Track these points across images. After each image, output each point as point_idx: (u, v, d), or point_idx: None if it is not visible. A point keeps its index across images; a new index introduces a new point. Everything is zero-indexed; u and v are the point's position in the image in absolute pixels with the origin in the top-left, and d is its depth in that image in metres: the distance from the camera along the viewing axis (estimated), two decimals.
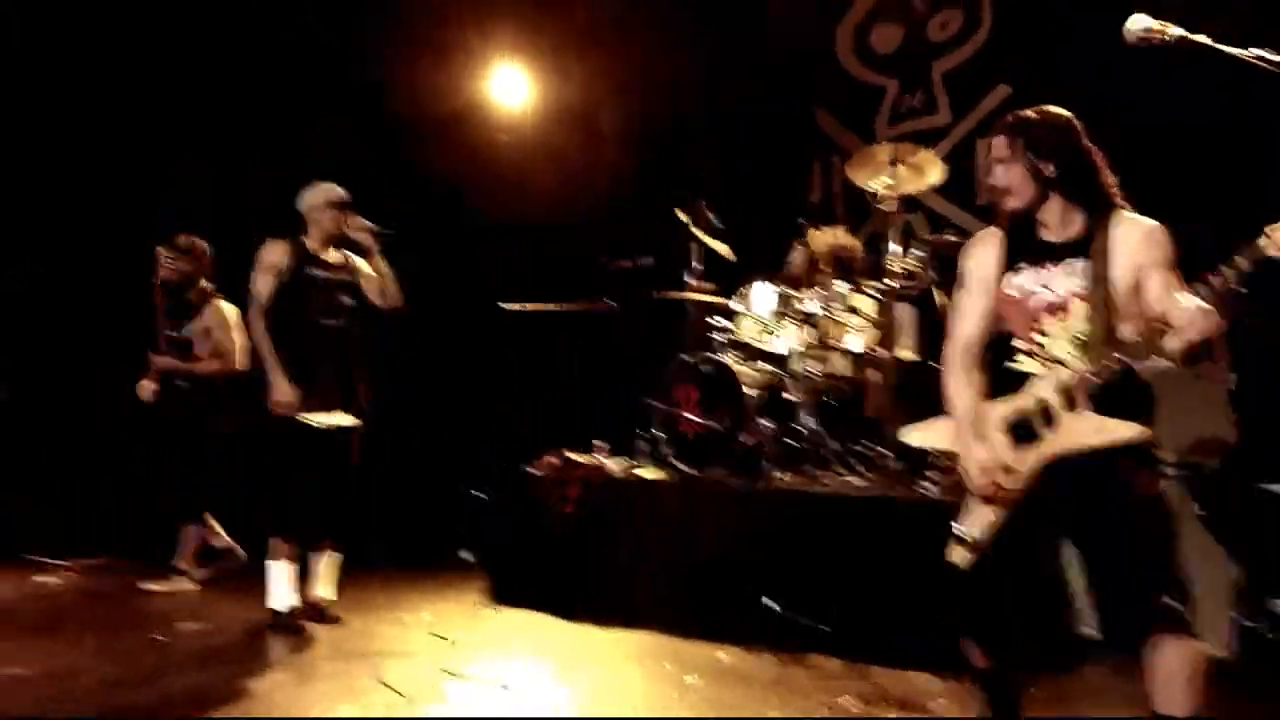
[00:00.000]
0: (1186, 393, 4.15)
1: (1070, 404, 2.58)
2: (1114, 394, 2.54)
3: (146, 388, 5.22)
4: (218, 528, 5.34)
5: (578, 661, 3.88)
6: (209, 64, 6.62)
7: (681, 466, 4.86)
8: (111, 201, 6.56)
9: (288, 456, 4.33)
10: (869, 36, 6.59)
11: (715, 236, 5.54)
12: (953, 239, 5.30)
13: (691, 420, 4.87)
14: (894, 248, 4.95)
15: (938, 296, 5.04)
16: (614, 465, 5.07)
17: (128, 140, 6.56)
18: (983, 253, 2.82)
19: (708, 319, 5.39)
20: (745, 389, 4.74)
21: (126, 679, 3.50)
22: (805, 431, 4.80)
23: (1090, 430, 2.55)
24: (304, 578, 4.45)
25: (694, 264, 5.51)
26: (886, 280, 4.94)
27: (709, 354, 5.06)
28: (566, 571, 4.82)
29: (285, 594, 4.32)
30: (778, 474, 4.64)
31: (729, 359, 4.95)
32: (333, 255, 4.55)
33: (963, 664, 3.64)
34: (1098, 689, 3.49)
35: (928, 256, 5.11)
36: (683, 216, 5.48)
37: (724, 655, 3.99)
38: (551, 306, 4.68)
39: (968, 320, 2.81)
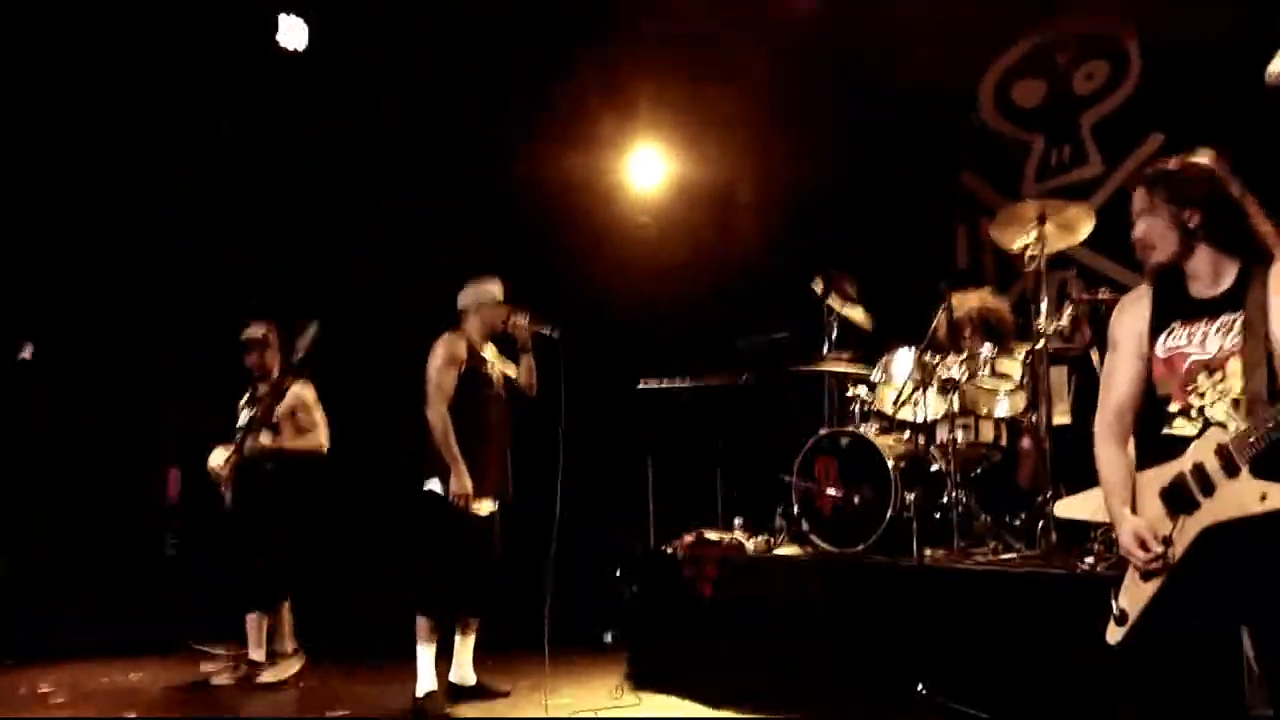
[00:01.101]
0: None
1: (1229, 470, 2.36)
2: (1277, 458, 2.30)
3: (222, 470, 5.13)
4: (288, 623, 5.20)
5: None
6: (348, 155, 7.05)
7: (821, 543, 4.67)
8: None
9: (452, 542, 4.47)
10: (1011, 93, 6.40)
11: (853, 305, 5.40)
12: (1108, 295, 4.99)
13: (831, 495, 4.69)
14: (1045, 308, 4.68)
15: (1094, 357, 4.71)
16: (752, 544, 4.93)
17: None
18: (1132, 312, 2.68)
19: (847, 390, 5.24)
20: (887, 460, 4.54)
21: None
22: (954, 504, 4.53)
23: (1251, 497, 2.32)
24: (445, 660, 4.53)
25: (831, 336, 5.38)
26: (1038, 342, 4.66)
27: (848, 426, 4.89)
28: (706, 655, 4.69)
29: (433, 677, 4.44)
30: (925, 550, 4.38)
31: (869, 430, 4.76)
32: (489, 349, 4.77)
33: None
34: None
35: (1082, 315, 4.80)
36: (818, 288, 5.39)
37: None
38: (689, 383, 4.66)
39: (1118, 385, 2.66)
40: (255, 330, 5.28)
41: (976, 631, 3.92)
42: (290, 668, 5.12)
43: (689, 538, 5.02)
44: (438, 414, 4.48)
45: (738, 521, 5.24)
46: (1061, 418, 4.67)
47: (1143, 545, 2.45)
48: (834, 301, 5.38)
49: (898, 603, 4.17)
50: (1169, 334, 2.56)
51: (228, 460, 5.14)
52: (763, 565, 4.73)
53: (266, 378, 5.24)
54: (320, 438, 5.23)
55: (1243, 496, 2.32)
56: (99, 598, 6.25)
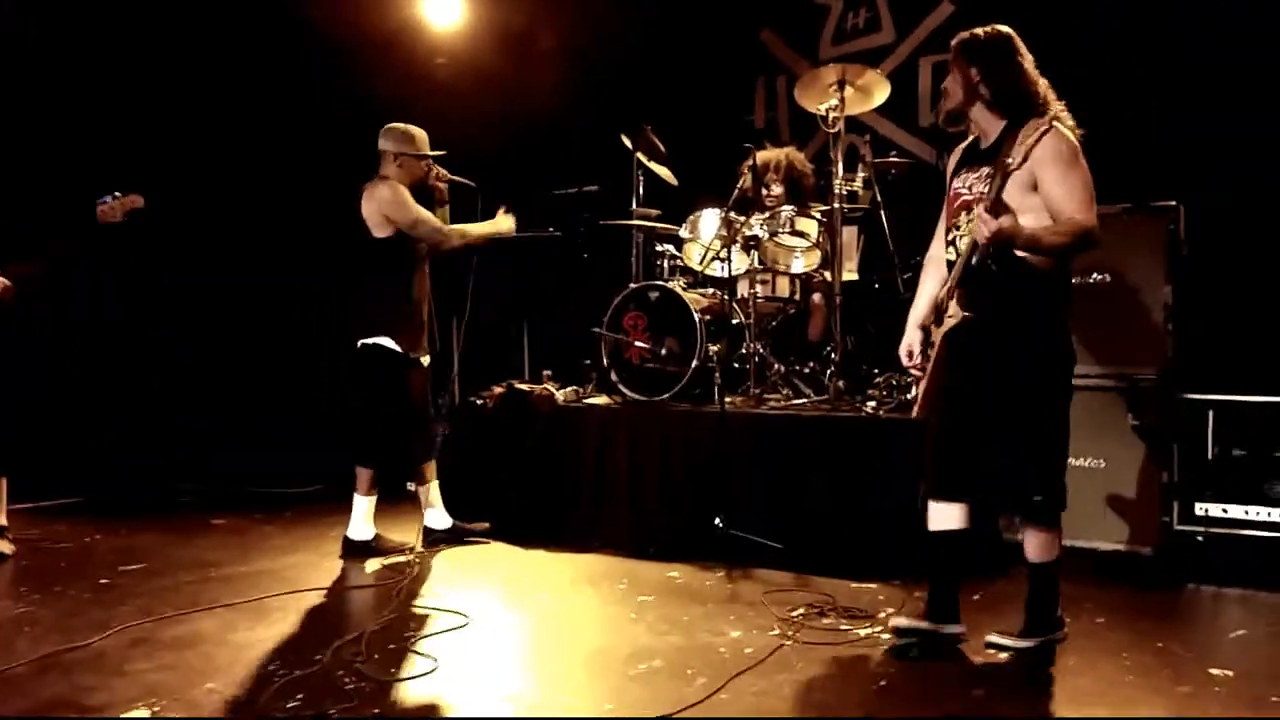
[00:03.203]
0: (1119, 305, 4.26)
1: (949, 293, 2.98)
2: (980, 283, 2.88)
3: None
4: None
5: (534, 588, 3.92)
6: None
7: (630, 393, 4.88)
8: None
9: (405, 395, 4.44)
10: None
11: (661, 162, 5.48)
12: (896, 160, 5.34)
13: (640, 347, 4.88)
14: (840, 170, 4.94)
15: (882, 217, 5.07)
16: (563, 395, 5.07)
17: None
18: (950, 162, 3.21)
19: (654, 246, 5.38)
20: (693, 314, 4.75)
21: None
22: (752, 355, 4.83)
23: (955, 313, 2.94)
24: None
25: (639, 191, 5.45)
26: (832, 203, 4.94)
27: (656, 281, 5.05)
28: (518, 500, 4.86)
29: (371, 526, 4.51)
30: (725, 398, 4.67)
31: (676, 285, 4.94)
32: None
33: (902, 571, 3.82)
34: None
35: (871, 178, 5.14)
36: (628, 143, 5.42)
37: (677, 574, 4.07)
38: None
39: (939, 225, 3.20)
40: None
41: (769, 470, 4.28)
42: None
43: (499, 389, 5.09)
44: (445, 233, 4.47)
45: (547, 373, 5.35)
46: (850, 275, 5.03)
47: (909, 354, 3.20)
48: (642, 156, 5.43)
49: (700, 446, 4.46)
50: (958, 177, 3.10)
51: None
52: (572, 414, 4.90)
53: None
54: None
55: (952, 312, 2.95)
56: None
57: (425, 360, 4.55)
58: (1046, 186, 2.82)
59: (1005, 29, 3.02)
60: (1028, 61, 2.99)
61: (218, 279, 6.75)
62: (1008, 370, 2.89)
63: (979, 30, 3.03)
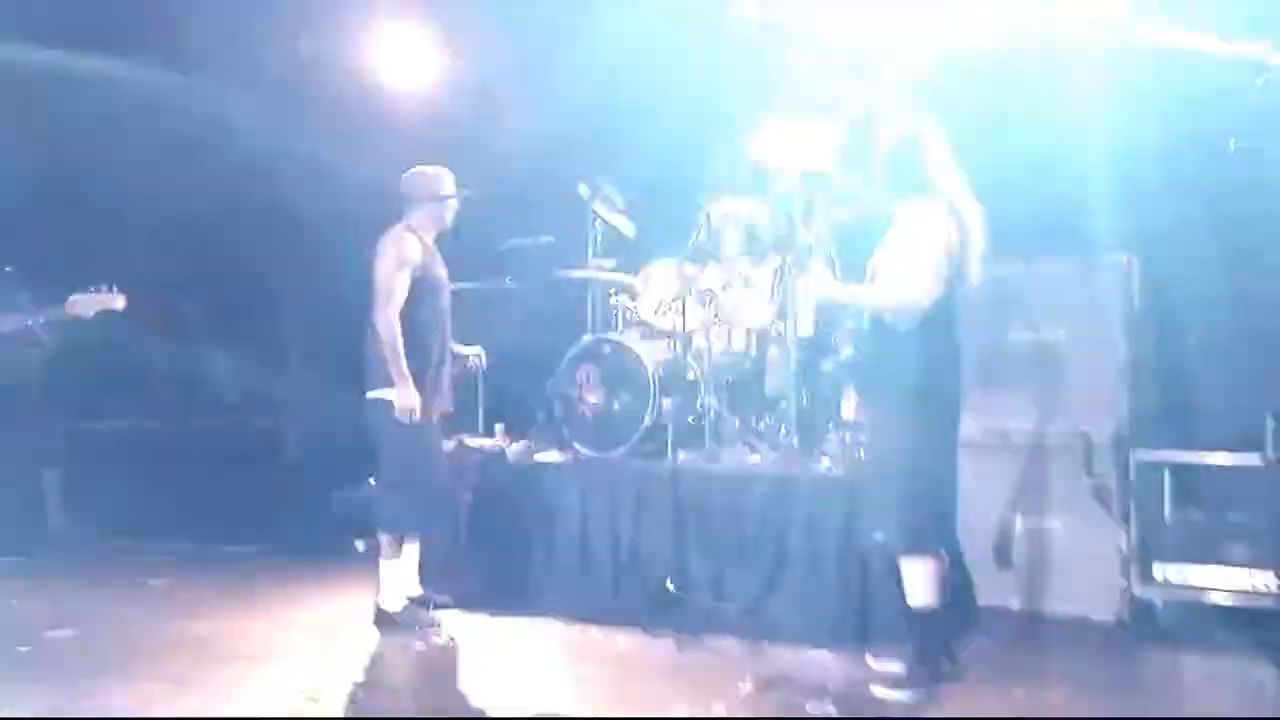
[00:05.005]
0: (1072, 362, 4.20)
1: None
2: None
3: None
4: None
5: (474, 653, 3.77)
6: None
7: (582, 448, 4.76)
8: None
9: (402, 457, 4.13)
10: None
11: (617, 214, 5.42)
12: (849, 212, 5.30)
13: (592, 401, 4.77)
14: (796, 223, 4.90)
15: (836, 269, 5.01)
16: (514, 450, 4.95)
17: None
18: None
19: (609, 298, 5.30)
20: (647, 368, 4.66)
21: None
22: (706, 410, 4.74)
23: None
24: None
25: (596, 243, 5.39)
26: (786, 255, 4.89)
27: (610, 333, 4.96)
28: (468, 560, 4.71)
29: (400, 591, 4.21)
30: (679, 453, 4.57)
31: (630, 337, 4.86)
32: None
33: (855, 638, 3.71)
34: None
35: (825, 231, 5.09)
36: (584, 193, 5.36)
37: (623, 641, 3.93)
38: (451, 285, 4.51)
39: None
40: None
41: (723, 529, 4.17)
42: None
43: (450, 444, 4.96)
44: (385, 321, 4.01)
45: (499, 427, 5.23)
46: (806, 328, 4.95)
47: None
48: (599, 207, 5.38)
49: (652, 503, 4.35)
50: None
51: None
52: (523, 470, 4.78)
53: None
54: None
55: None
56: None
57: (432, 417, 4.20)
58: None
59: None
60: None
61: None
62: None
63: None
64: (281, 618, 4.34)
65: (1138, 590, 4.02)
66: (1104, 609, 4.06)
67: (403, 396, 4.02)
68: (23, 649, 3.80)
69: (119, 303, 4.28)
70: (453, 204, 4.35)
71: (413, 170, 4.32)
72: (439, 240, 4.34)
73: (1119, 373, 4.15)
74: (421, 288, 4.15)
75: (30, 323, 4.63)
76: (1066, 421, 4.18)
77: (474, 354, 4.57)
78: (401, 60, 6.54)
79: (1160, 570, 4.00)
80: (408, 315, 4.08)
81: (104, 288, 4.38)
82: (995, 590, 4.16)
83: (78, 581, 5.00)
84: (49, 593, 4.76)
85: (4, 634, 4.00)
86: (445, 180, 4.32)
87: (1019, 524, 4.23)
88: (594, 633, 4.06)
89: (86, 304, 4.27)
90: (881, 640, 3.45)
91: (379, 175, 4.52)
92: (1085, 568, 4.10)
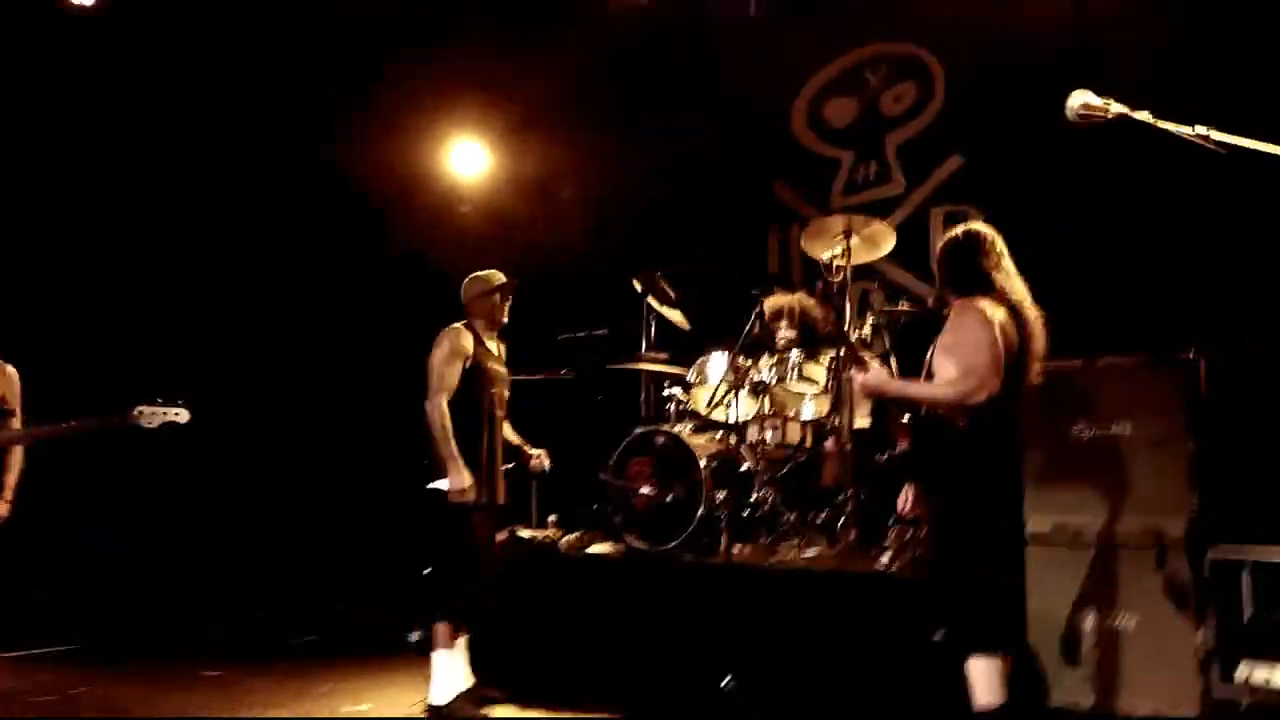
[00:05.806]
0: (1140, 458, 4.09)
1: None
2: None
3: None
4: None
5: None
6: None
7: (633, 541, 4.71)
8: None
9: (456, 545, 4.20)
10: (823, 110, 6.67)
11: (671, 307, 5.49)
12: (906, 307, 5.30)
13: (644, 493, 4.74)
14: (849, 316, 4.91)
15: (893, 364, 4.99)
16: (565, 541, 4.92)
17: None
18: None
19: (662, 390, 5.32)
20: (699, 460, 4.63)
21: None
22: (761, 502, 4.68)
23: None
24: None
25: (649, 335, 5.44)
26: (842, 349, 4.88)
27: (663, 425, 4.96)
28: (520, 653, 4.63)
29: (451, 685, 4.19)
30: (734, 547, 4.50)
31: (683, 430, 4.85)
32: (497, 346, 4.49)
33: None
34: None
35: (882, 325, 5.08)
36: (638, 287, 5.44)
37: None
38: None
39: None
40: None
41: (780, 625, 4.07)
42: None
43: (502, 535, 4.95)
44: (436, 408, 4.17)
45: (551, 519, 5.21)
46: (862, 421, 4.91)
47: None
48: (653, 301, 5.45)
49: (706, 598, 4.27)
50: None
51: None
52: (575, 563, 4.73)
53: None
54: None
55: None
56: None
57: (484, 505, 4.25)
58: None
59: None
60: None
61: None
62: None
63: None
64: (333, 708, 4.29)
65: (1217, 691, 3.81)
66: (1180, 709, 3.84)
67: (455, 479, 4.09)
68: None
69: (184, 417, 4.38)
70: (505, 297, 4.47)
71: (468, 277, 4.50)
72: (495, 332, 4.47)
73: (1188, 469, 4.02)
74: (474, 378, 4.26)
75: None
76: (1136, 518, 4.03)
77: (539, 455, 4.60)
78: (463, 159, 6.81)
79: (1243, 670, 3.79)
80: (461, 404, 4.20)
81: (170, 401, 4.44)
82: (1066, 690, 3.98)
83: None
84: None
85: None
86: (495, 277, 4.49)
87: (1089, 621, 4.06)
88: None
89: (151, 417, 4.35)
90: None
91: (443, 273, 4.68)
92: (1160, 666, 3.90)
